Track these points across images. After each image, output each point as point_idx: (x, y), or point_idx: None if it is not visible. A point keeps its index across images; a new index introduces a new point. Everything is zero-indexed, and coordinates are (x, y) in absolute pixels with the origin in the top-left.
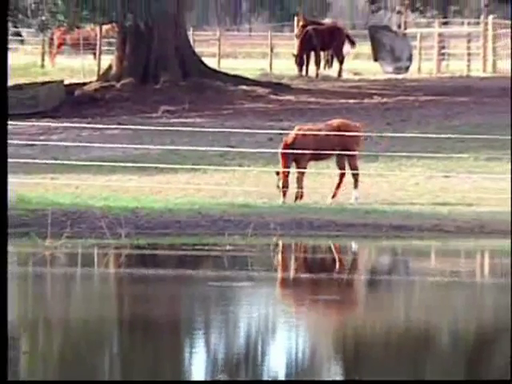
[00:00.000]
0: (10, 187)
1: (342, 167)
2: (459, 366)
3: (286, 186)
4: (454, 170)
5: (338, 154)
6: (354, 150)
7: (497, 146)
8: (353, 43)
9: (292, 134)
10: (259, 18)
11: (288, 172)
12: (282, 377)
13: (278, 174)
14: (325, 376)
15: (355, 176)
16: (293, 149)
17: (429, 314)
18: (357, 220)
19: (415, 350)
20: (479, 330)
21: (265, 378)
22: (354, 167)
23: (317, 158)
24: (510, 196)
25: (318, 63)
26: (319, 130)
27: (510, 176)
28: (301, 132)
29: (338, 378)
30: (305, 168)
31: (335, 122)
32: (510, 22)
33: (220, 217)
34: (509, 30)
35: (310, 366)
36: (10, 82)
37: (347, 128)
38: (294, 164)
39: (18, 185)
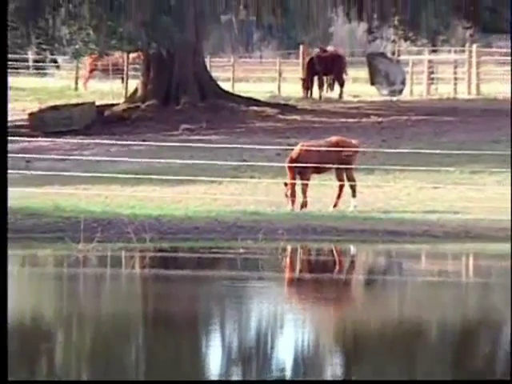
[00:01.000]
0: (47, 197)
1: (340, 179)
2: (446, 355)
3: (292, 195)
4: (442, 182)
5: (337, 168)
6: (351, 164)
7: (480, 161)
8: (346, 70)
9: (296, 149)
10: (269, 46)
11: (294, 183)
12: (288, 364)
13: (285, 185)
14: (326, 363)
15: (353, 187)
16: (297, 163)
17: (420, 310)
18: (356, 226)
19: (407, 341)
20: (464, 324)
21: (274, 365)
22: (351, 179)
23: (318, 171)
24: (492, 205)
25: (321, 86)
26: (320, 146)
27: (491, 187)
28: (304, 148)
29: (338, 364)
30: (308, 180)
31: (334, 138)
32: (491, 50)
33: (234, 223)
34: (490, 57)
35: (314, 354)
36: (48, 104)
37: (344, 144)
38: (298, 176)
39: (54, 194)
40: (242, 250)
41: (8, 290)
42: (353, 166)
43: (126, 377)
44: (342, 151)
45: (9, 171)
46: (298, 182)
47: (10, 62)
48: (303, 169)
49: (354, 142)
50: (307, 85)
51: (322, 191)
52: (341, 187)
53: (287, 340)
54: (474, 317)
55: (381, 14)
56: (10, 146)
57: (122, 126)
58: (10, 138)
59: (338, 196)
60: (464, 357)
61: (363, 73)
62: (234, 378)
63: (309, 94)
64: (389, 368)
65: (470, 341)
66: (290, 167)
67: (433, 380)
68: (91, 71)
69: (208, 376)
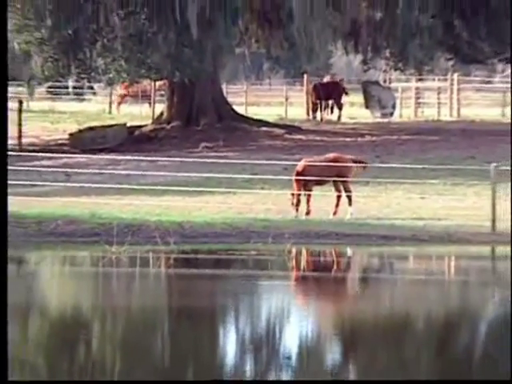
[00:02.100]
0: (84, 206)
1: (338, 190)
2: (431, 342)
3: (298, 204)
4: (427, 193)
5: (335, 180)
6: (347, 177)
7: (460, 174)
8: (346, 93)
9: (301, 164)
10: (277, 75)
11: (299, 194)
12: (294, 350)
13: (292, 195)
14: (326, 348)
15: (349, 197)
16: (302, 176)
17: (408, 304)
18: (352, 231)
19: (397, 330)
20: (447, 316)
21: (281, 351)
22: (347, 190)
23: (319, 182)
24: (471, 213)
25: (322, 110)
26: (320, 161)
27: (470, 197)
28: (307, 163)
29: (337, 350)
30: (311, 190)
31: (332, 155)
32: (469, 79)
33: (246, 228)
34: (468, 85)
35: (316, 341)
36: (86, 125)
37: (341, 160)
38: (303, 187)
39: (90, 204)
40: (253, 252)
41: (48, 287)
42: (349, 179)
43: (154, 361)
44: (339, 166)
45: (52, 183)
46: (303, 192)
47: (52, 89)
48: (307, 181)
49: (349, 157)
50: (313, 108)
51: (323, 201)
52: (338, 197)
53: (293, 329)
54: (455, 310)
55: (374, 47)
56: (53, 162)
57: (150, 144)
58: (53, 154)
59: (337, 205)
60: (446, 344)
61: (359, 98)
62: (247, 363)
63: (312, 117)
64: (380, 353)
65: (452, 330)
66: (296, 179)
67: (433, 380)
68: (123, 97)
69: (224, 361)
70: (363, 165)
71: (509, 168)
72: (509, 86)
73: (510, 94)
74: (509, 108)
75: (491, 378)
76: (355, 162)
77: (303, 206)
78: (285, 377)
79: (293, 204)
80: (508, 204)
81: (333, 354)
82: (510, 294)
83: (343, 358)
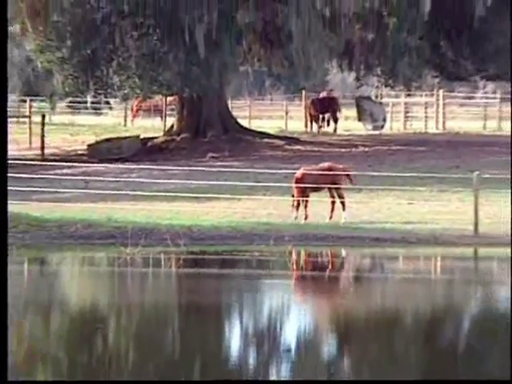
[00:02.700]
0: (101, 211)
1: (332, 196)
2: (418, 335)
3: (298, 207)
4: (415, 199)
5: (329, 187)
6: (340, 184)
7: (445, 182)
8: (339, 110)
9: (299, 172)
10: (278, 90)
11: (298, 200)
12: (293, 342)
13: (292, 196)
14: (323, 340)
15: (342, 203)
16: (301, 182)
17: (397, 300)
18: (347, 234)
19: (387, 324)
20: (433, 311)
21: (282, 343)
22: (341, 196)
23: (315, 189)
24: (455, 217)
25: (319, 123)
26: (316, 170)
27: (454, 203)
28: (304, 171)
29: (332, 342)
30: (308, 196)
31: (326, 164)
32: (454, 94)
33: (250, 231)
34: (453, 100)
35: (314, 334)
36: (103, 137)
37: (334, 169)
38: (301, 193)
39: (107, 209)
40: (256, 253)
41: (69, 285)
42: (342, 186)
43: (165, 352)
44: (332, 174)
45: (71, 190)
46: (301, 198)
47: (72, 104)
48: (305, 188)
49: (341, 166)
50: (311, 121)
51: (320, 206)
52: (333, 203)
53: (292, 323)
54: (440, 306)
55: (366, 65)
56: (72, 170)
57: (161, 155)
58: (73, 163)
59: (332, 210)
60: (432, 336)
61: (353, 112)
62: (250, 354)
63: (309, 129)
64: (372, 344)
65: (437, 324)
66: (295, 186)
67: (433, 380)
68: (137, 111)
69: (229, 352)
70: (349, 174)
71: (489, 176)
72: (489, 101)
73: (490, 108)
74: (490, 121)
75: (475, 366)
76: (345, 170)
77: (302, 211)
78: (284, 367)
79: (293, 206)
80: (489, 209)
81: (329, 346)
82: (510, 294)
83: (338, 350)
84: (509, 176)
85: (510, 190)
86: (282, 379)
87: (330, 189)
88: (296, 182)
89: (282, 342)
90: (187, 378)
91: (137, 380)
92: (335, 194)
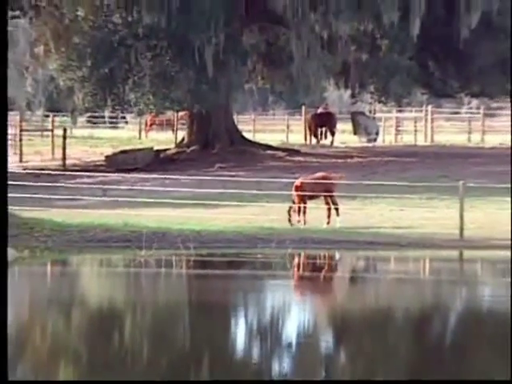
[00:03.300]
0: (118, 217)
1: (327, 203)
2: (407, 329)
3: (298, 212)
4: (406, 206)
5: (324, 194)
6: (333, 192)
7: (433, 190)
8: (336, 124)
9: (298, 181)
10: (280, 106)
11: (299, 206)
12: (293, 337)
13: (293, 202)
14: (321, 336)
15: (336, 209)
16: (300, 189)
17: (389, 298)
18: (343, 238)
19: (380, 320)
20: (422, 308)
21: (283, 338)
22: (334, 203)
23: (312, 197)
24: (442, 222)
25: (317, 136)
26: (312, 179)
27: (441, 209)
28: (302, 180)
29: (329, 337)
30: (306, 203)
31: (321, 174)
32: (441, 110)
33: (254, 236)
34: (440, 115)
35: (313, 330)
36: (119, 149)
37: (328, 178)
38: (301, 200)
39: (123, 215)
40: (259, 255)
41: (88, 284)
42: (335, 194)
43: (176, 345)
44: (326, 183)
45: (90, 197)
46: (301, 205)
47: (92, 119)
48: (303, 195)
49: (334, 175)
50: (310, 134)
51: (318, 213)
52: (329, 209)
53: (293, 320)
54: (428, 303)
55: (361, 83)
56: (91, 180)
57: (173, 165)
58: (92, 173)
59: (328, 215)
60: (420, 330)
61: (348, 126)
62: (254, 347)
63: (308, 142)
64: (366, 338)
65: (425, 320)
66: (296, 194)
67: (433, 380)
68: (150, 125)
69: (235, 345)
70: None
71: (474, 185)
72: (473, 116)
73: (474, 123)
74: (474, 134)
75: (460, 357)
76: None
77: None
78: (286, 359)
79: (294, 211)
80: (473, 215)
81: (326, 340)
82: (511, 293)
83: (335, 343)
84: (491, 185)
85: (492, 198)
86: (282, 379)
87: (325, 196)
88: (295, 190)
89: (283, 336)
90: (196, 368)
91: (137, 380)
92: (330, 201)
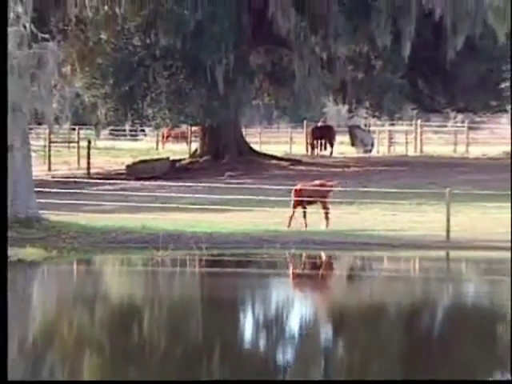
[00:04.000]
0: (137, 220)
1: (324, 207)
2: (399, 321)
3: (304, 216)
4: (398, 210)
5: (321, 200)
6: (327, 198)
7: (422, 196)
8: (334, 136)
9: (297, 187)
10: (283, 120)
11: (299, 209)
12: (295, 329)
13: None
14: (320, 327)
15: (326, 213)
16: (299, 195)
17: (383, 293)
18: (340, 239)
19: (374, 313)
20: (412, 303)
21: (287, 330)
22: (325, 207)
23: (310, 202)
24: (430, 225)
25: (318, 147)
26: (310, 186)
27: (429, 214)
28: (300, 186)
29: (328, 329)
30: (305, 208)
31: (317, 181)
32: (429, 124)
33: (260, 237)
34: (428, 128)
35: (313, 322)
36: (138, 159)
37: (324, 185)
38: (300, 205)
39: (142, 218)
40: (265, 255)
41: (110, 281)
42: (329, 200)
43: (189, 335)
44: (322, 189)
45: (112, 203)
46: (301, 210)
47: (113, 131)
48: (302, 201)
49: (329, 182)
50: (311, 146)
51: (318, 216)
52: (326, 213)
53: (295, 313)
54: (418, 298)
55: (357, 100)
56: (113, 187)
57: (187, 173)
58: (113, 181)
59: (326, 219)
60: (410, 322)
61: (346, 138)
62: (260, 337)
63: (310, 152)
64: (362, 329)
65: (415, 314)
66: (295, 200)
67: (433, 380)
68: (167, 137)
69: (243, 336)
70: (334, 187)
71: (459, 191)
72: (458, 129)
73: (459, 136)
74: (460, 146)
75: (447, 345)
76: (335, 186)
77: (301, 220)
78: (289, 348)
79: (293, 217)
80: (458, 219)
81: (325, 331)
82: (511, 292)
83: (333, 334)
84: (475, 191)
85: (476, 203)
86: (282, 379)
87: (320, 202)
88: (294, 195)
89: (286, 328)
90: (208, 355)
91: (137, 380)
92: (325, 205)
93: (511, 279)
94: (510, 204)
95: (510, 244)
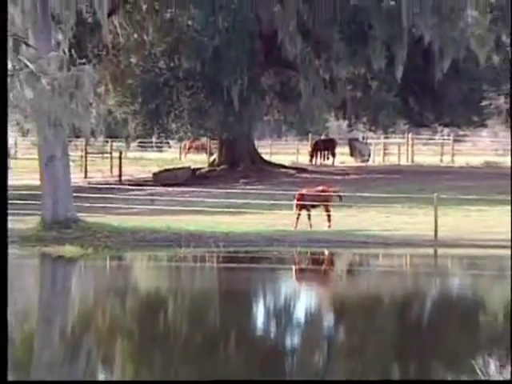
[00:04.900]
0: (163, 222)
1: (327, 210)
2: (392, 312)
3: (310, 217)
4: (391, 213)
5: (324, 204)
6: (330, 202)
7: (413, 200)
8: (336, 148)
9: (301, 191)
10: (291, 134)
11: (303, 212)
12: (301, 317)
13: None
14: (323, 317)
15: (328, 215)
16: (302, 200)
17: (378, 287)
18: (341, 238)
19: (371, 304)
20: (404, 295)
21: (294, 318)
22: (327, 211)
23: (313, 206)
24: (420, 226)
25: (321, 157)
26: (313, 191)
27: (419, 216)
28: (303, 192)
29: (330, 319)
30: (309, 211)
31: (320, 187)
32: (419, 137)
33: (270, 237)
34: (419, 141)
35: (316, 312)
36: (164, 167)
37: (326, 190)
38: (305, 209)
39: (167, 220)
40: (275, 252)
41: (139, 276)
42: (330, 204)
43: (208, 323)
44: (324, 194)
45: (141, 206)
46: (305, 212)
47: (142, 144)
48: (305, 204)
49: (331, 188)
50: (314, 156)
51: (321, 218)
52: (328, 216)
53: (302, 303)
54: (409, 290)
55: (356, 115)
56: (142, 192)
57: (206, 180)
58: (142, 187)
59: (328, 221)
60: (402, 312)
61: (346, 149)
62: (271, 325)
63: (314, 162)
64: (360, 318)
65: (406, 305)
66: (298, 203)
67: (433, 380)
68: (189, 149)
69: (256, 324)
70: (338, 194)
71: (445, 196)
72: (444, 141)
73: (445, 147)
74: (446, 156)
75: (433, 332)
76: (335, 192)
77: (306, 221)
78: (296, 333)
79: (297, 218)
80: (444, 220)
81: (328, 320)
82: (511, 291)
83: (335, 323)
84: (460, 196)
85: (460, 207)
86: (282, 379)
87: (323, 206)
88: (298, 200)
89: (294, 317)
90: (226, 340)
91: (137, 380)
92: (328, 209)
93: (511, 278)
94: (490, 207)
95: (490, 242)
